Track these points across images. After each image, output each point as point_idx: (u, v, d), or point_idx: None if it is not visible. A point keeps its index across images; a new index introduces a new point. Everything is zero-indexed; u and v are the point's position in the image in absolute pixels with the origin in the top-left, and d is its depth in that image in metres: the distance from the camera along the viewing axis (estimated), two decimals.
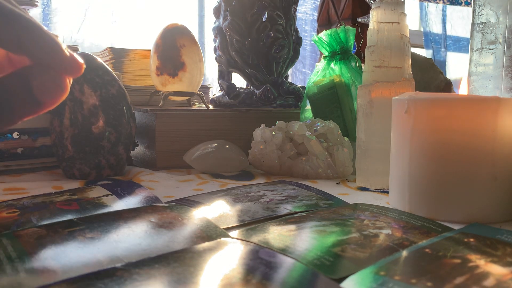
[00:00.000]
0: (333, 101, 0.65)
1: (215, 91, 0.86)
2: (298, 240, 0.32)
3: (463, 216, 0.39)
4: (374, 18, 0.52)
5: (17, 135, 0.59)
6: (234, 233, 0.33)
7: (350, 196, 0.49)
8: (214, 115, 0.68)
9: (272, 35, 0.73)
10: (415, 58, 0.69)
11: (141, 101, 0.76)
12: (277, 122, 0.62)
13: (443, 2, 1.97)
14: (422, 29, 2.05)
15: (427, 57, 0.75)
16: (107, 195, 0.44)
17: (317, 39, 0.67)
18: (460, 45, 2.11)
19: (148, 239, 0.31)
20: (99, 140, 0.55)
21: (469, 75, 0.59)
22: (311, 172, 0.58)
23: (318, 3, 1.09)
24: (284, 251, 0.30)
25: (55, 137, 0.55)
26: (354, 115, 0.65)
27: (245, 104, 0.73)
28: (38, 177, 0.57)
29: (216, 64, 0.78)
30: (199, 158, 0.60)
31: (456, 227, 0.36)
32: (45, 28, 0.26)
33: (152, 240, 0.31)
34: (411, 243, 0.32)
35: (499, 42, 0.55)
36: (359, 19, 0.95)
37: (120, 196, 0.44)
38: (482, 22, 0.57)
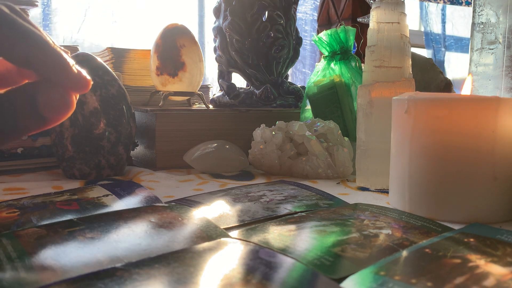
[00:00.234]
0: (333, 101, 0.65)
1: (215, 91, 0.86)
2: (298, 240, 0.32)
3: (463, 216, 0.39)
4: (374, 18, 0.52)
5: None
6: (234, 233, 0.33)
7: (350, 196, 0.49)
8: (214, 115, 0.68)
9: (272, 35, 0.73)
10: (415, 58, 0.69)
11: (141, 101, 0.76)
12: (277, 122, 0.62)
13: (444, 2, 1.97)
14: (422, 29, 2.05)
15: (428, 57, 0.75)
16: (107, 195, 0.44)
17: (317, 39, 0.67)
18: (462, 44, 2.10)
19: (148, 239, 0.31)
20: (99, 140, 0.55)
21: (471, 75, 0.59)
22: (311, 172, 0.58)
23: (318, 3, 1.09)
24: (284, 251, 0.30)
25: (55, 137, 0.55)
26: (354, 115, 0.65)
27: (245, 104, 0.73)
28: (38, 177, 0.57)
29: (216, 64, 0.78)
30: (199, 158, 0.60)
31: (456, 227, 0.36)
32: (54, 44, 0.26)
33: (152, 240, 0.31)
34: (411, 243, 0.32)
35: (499, 42, 0.55)
36: (359, 19, 0.95)
37: (120, 196, 0.44)
38: (482, 22, 0.57)
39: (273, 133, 0.60)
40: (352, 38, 0.66)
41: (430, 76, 0.71)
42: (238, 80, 0.96)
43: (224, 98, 0.75)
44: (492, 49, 0.56)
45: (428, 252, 0.30)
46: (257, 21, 0.72)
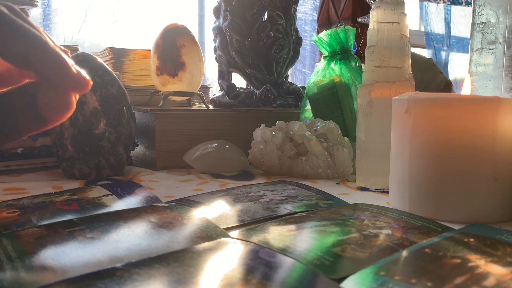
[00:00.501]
0: (333, 101, 0.65)
1: (215, 91, 0.86)
2: (298, 240, 0.32)
3: (463, 216, 0.39)
4: (374, 18, 0.52)
5: None
6: (234, 233, 0.33)
7: (350, 196, 0.49)
8: (214, 115, 0.68)
9: (272, 35, 0.73)
10: (415, 58, 0.69)
11: (141, 101, 0.76)
12: (277, 122, 0.62)
13: (444, 2, 1.97)
14: (422, 29, 2.05)
15: (428, 57, 0.75)
16: (107, 195, 0.44)
17: (317, 39, 0.67)
18: (463, 44, 2.10)
19: (148, 239, 0.31)
20: (99, 140, 0.55)
21: (470, 74, 0.59)
22: (311, 172, 0.58)
23: (318, 3, 1.09)
24: (284, 251, 0.30)
25: (55, 137, 0.55)
26: (354, 115, 0.65)
27: (245, 104, 0.73)
28: (38, 177, 0.57)
29: (216, 64, 0.78)
30: (199, 158, 0.60)
31: (456, 227, 0.36)
32: (54, 44, 0.26)
33: (152, 240, 0.31)
34: (411, 243, 0.32)
35: (499, 42, 0.55)
36: (359, 19, 0.95)
37: (120, 196, 0.44)
38: (482, 22, 0.57)
39: (273, 133, 0.60)
40: (352, 38, 0.66)
41: (430, 76, 0.71)
42: (238, 80, 0.96)
43: (224, 98, 0.75)
44: (492, 49, 0.56)
45: (428, 252, 0.30)
46: (257, 21, 0.72)
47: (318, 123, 0.60)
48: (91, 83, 0.27)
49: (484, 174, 0.39)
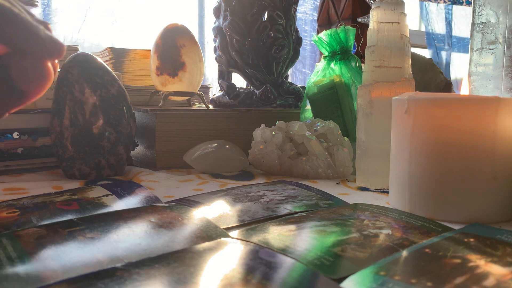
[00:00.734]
0: (333, 101, 0.65)
1: (215, 91, 0.86)
2: (298, 240, 0.32)
3: (463, 216, 0.39)
4: (374, 18, 0.52)
5: (17, 135, 0.59)
6: (234, 233, 0.33)
7: (350, 196, 0.49)
8: (214, 115, 0.68)
9: (272, 35, 0.73)
10: (415, 58, 0.69)
11: (141, 101, 0.76)
12: (277, 122, 0.62)
13: (444, 2, 1.97)
14: (423, 29, 2.05)
15: (429, 57, 0.75)
16: (107, 195, 0.44)
17: (317, 39, 0.67)
18: (464, 44, 2.10)
19: (148, 239, 0.31)
20: (99, 140, 0.55)
21: (469, 75, 0.59)
22: (311, 172, 0.58)
23: (318, 3, 1.09)
24: (284, 251, 0.30)
25: (55, 137, 0.55)
26: (354, 115, 0.65)
27: (245, 104, 0.73)
28: (38, 177, 0.57)
29: (216, 64, 0.78)
30: (199, 158, 0.60)
31: (456, 227, 0.36)
32: (23, 13, 0.24)
33: (152, 240, 0.31)
34: (411, 243, 0.32)
35: (499, 42, 0.55)
36: (359, 19, 0.95)
37: (120, 196, 0.44)
38: (482, 22, 0.57)
39: (273, 133, 0.60)
40: (352, 38, 0.66)
41: (430, 76, 0.71)
42: (238, 80, 0.96)
43: (224, 98, 0.75)
44: (492, 49, 0.56)
45: (428, 252, 0.30)
46: (257, 21, 0.72)
47: (318, 123, 0.60)
48: (65, 47, 0.25)
49: (484, 174, 0.39)
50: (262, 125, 0.62)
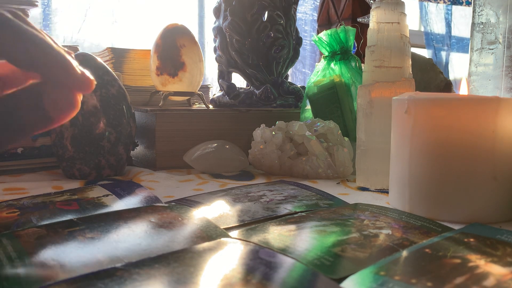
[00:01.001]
0: (333, 101, 0.65)
1: (215, 91, 0.86)
2: (298, 240, 0.32)
3: (463, 216, 0.39)
4: (374, 18, 0.52)
5: None
6: (234, 233, 0.33)
7: (350, 196, 0.49)
8: (214, 115, 0.68)
9: (272, 35, 0.73)
10: (415, 58, 0.69)
11: (141, 101, 0.76)
12: (277, 122, 0.62)
13: (444, 2, 1.97)
14: (422, 29, 2.05)
15: (428, 57, 0.75)
16: (107, 195, 0.44)
17: (317, 39, 0.67)
18: (463, 44, 2.10)
19: (148, 239, 0.31)
20: (99, 140, 0.55)
21: (469, 75, 0.59)
22: (311, 172, 0.58)
23: (318, 3, 1.09)
24: (284, 251, 0.30)
25: (55, 137, 0.55)
26: (354, 115, 0.65)
27: (245, 104, 0.73)
28: (38, 177, 0.57)
29: (216, 64, 0.78)
30: (199, 158, 0.60)
31: (456, 227, 0.36)
32: (57, 46, 0.27)
33: (152, 240, 0.31)
34: (411, 243, 0.32)
35: (499, 42, 0.55)
36: (359, 19, 0.95)
37: (120, 196, 0.44)
38: (482, 22, 0.57)
39: (273, 133, 0.60)
40: (352, 38, 0.66)
41: (430, 76, 0.71)
42: (238, 80, 0.96)
43: (224, 98, 0.75)
44: (492, 49, 0.56)
45: (428, 252, 0.30)
46: (257, 21, 0.72)
47: (318, 123, 0.60)
48: (95, 83, 0.28)
49: (484, 174, 0.39)
50: (262, 125, 0.62)
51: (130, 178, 0.57)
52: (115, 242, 0.30)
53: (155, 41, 0.69)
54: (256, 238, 0.32)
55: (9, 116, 0.27)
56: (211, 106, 0.76)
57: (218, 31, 0.75)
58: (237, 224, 0.37)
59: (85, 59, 0.56)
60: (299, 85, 0.78)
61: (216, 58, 0.78)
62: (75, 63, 0.27)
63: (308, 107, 0.69)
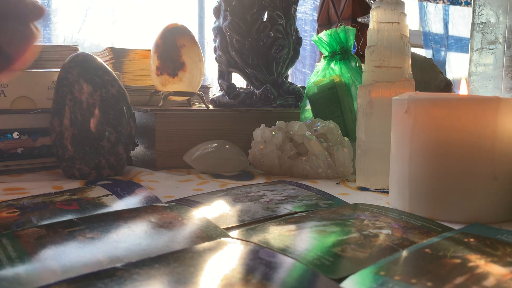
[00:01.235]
0: (333, 101, 0.65)
1: (215, 91, 0.86)
2: (298, 240, 0.32)
3: (463, 216, 0.39)
4: (374, 18, 0.52)
5: (17, 135, 0.59)
6: (234, 233, 0.33)
7: (350, 196, 0.49)
8: (214, 115, 0.68)
9: (272, 35, 0.73)
10: (415, 58, 0.69)
11: (141, 101, 0.76)
12: (277, 122, 0.62)
13: (443, 2, 1.97)
14: (421, 29, 2.05)
15: (427, 57, 0.75)
16: (107, 195, 0.44)
17: (317, 39, 0.67)
18: (462, 44, 2.10)
19: (148, 239, 0.31)
20: (99, 140, 0.55)
21: (469, 75, 0.59)
22: (311, 172, 0.58)
23: (318, 3, 1.09)
24: (284, 251, 0.30)
25: (55, 137, 0.55)
26: (354, 115, 0.65)
27: (245, 104, 0.73)
28: (38, 177, 0.57)
29: (216, 64, 0.78)
30: (199, 158, 0.60)
31: (456, 227, 0.36)
32: None
33: (152, 240, 0.31)
34: (411, 243, 0.32)
35: (499, 42, 0.55)
36: (359, 19, 0.95)
37: (120, 196, 0.44)
38: (482, 22, 0.57)
39: (273, 133, 0.60)
40: (352, 38, 0.66)
41: (430, 76, 0.71)
42: (238, 80, 0.96)
43: (224, 98, 0.75)
44: (492, 49, 0.56)
45: (428, 252, 0.30)
46: (257, 21, 0.72)
47: (318, 123, 0.60)
48: (46, 8, 0.26)
49: (484, 174, 0.39)
50: (262, 125, 0.62)
51: (130, 178, 0.57)
52: (115, 242, 0.30)
53: (155, 41, 0.69)
54: (256, 238, 0.32)
55: None
56: (211, 106, 0.76)
57: (218, 31, 0.75)
58: (237, 224, 0.37)
59: (85, 59, 0.56)
60: (299, 85, 0.78)
61: (216, 58, 0.78)
62: None
63: (308, 107, 0.69)
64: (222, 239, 0.31)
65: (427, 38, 2.03)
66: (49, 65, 0.68)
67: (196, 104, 0.82)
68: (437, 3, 1.97)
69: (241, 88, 0.76)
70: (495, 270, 0.27)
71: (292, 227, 0.35)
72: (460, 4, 1.98)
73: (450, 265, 0.27)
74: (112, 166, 0.57)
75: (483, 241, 0.32)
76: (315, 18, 1.40)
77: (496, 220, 0.39)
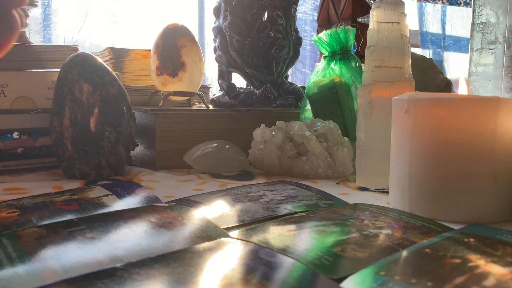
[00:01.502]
0: (333, 101, 0.65)
1: (215, 91, 0.86)
2: (298, 240, 0.32)
3: (463, 216, 0.39)
4: (374, 18, 0.52)
5: (17, 135, 0.59)
6: (234, 233, 0.33)
7: (350, 196, 0.49)
8: (214, 115, 0.68)
9: (272, 35, 0.73)
10: (415, 58, 0.69)
11: (141, 101, 0.76)
12: (277, 122, 0.62)
13: (442, 2, 1.97)
14: (419, 29, 2.05)
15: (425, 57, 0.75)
16: (107, 195, 0.44)
17: (317, 39, 0.67)
18: (460, 44, 2.10)
19: (148, 239, 0.31)
20: (99, 140, 0.55)
21: (469, 75, 0.59)
22: (311, 172, 0.58)
23: (318, 3, 1.09)
24: (284, 251, 0.30)
25: (55, 137, 0.55)
26: (354, 115, 0.65)
27: (245, 104, 0.73)
28: (38, 177, 0.57)
29: (216, 64, 0.78)
30: (199, 158, 0.60)
31: (456, 227, 0.36)
32: None
33: (152, 240, 0.31)
34: (411, 243, 0.32)
35: (499, 42, 0.55)
36: (359, 19, 0.95)
37: (120, 196, 0.44)
38: (482, 22, 0.57)
39: (273, 133, 0.60)
40: (352, 38, 0.66)
41: (430, 76, 0.71)
42: (238, 80, 0.96)
43: (224, 98, 0.75)
44: (492, 49, 0.56)
45: (428, 252, 0.30)
46: (257, 21, 0.72)
47: (318, 123, 0.60)
48: None
49: (484, 174, 0.39)
50: (262, 125, 0.62)
51: (130, 178, 0.57)
52: (115, 242, 0.30)
53: (155, 41, 0.69)
54: (256, 238, 0.32)
55: None
56: (211, 106, 0.76)
57: (218, 31, 0.75)
58: (237, 224, 0.37)
59: (85, 59, 0.56)
60: (299, 85, 0.78)
61: (216, 58, 0.78)
62: None
63: (308, 107, 0.69)
64: (222, 239, 0.31)
65: (424, 39, 2.03)
66: (49, 65, 0.68)
67: (196, 104, 0.82)
68: (436, 3, 1.98)
69: (241, 88, 0.76)
70: (495, 270, 0.27)
71: (292, 227, 0.35)
72: (459, 4, 1.98)
73: (450, 265, 0.27)
74: (112, 166, 0.57)
75: (483, 241, 0.32)
76: (315, 18, 1.40)
77: (496, 220, 0.39)
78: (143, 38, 1.26)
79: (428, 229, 0.35)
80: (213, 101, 0.77)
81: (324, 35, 0.66)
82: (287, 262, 0.27)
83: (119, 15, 1.30)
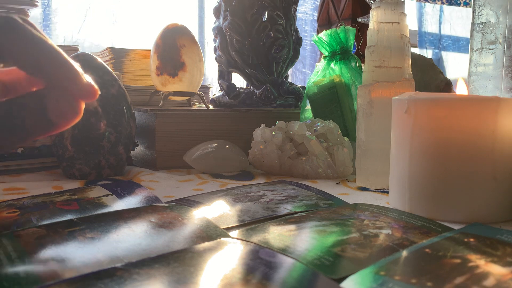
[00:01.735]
0: (333, 101, 0.65)
1: (215, 91, 0.86)
2: (298, 240, 0.32)
3: (463, 216, 0.39)
4: (374, 18, 0.52)
5: None
6: (234, 233, 0.33)
7: (350, 196, 0.49)
8: (214, 115, 0.68)
9: (272, 35, 0.73)
10: (415, 58, 0.69)
11: (141, 101, 0.76)
12: (277, 122, 0.62)
13: (442, 3, 1.97)
14: (417, 29, 2.05)
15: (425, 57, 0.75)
16: (107, 195, 0.44)
17: (317, 39, 0.67)
18: (459, 45, 2.11)
19: (148, 239, 0.31)
20: (99, 140, 0.55)
21: (469, 75, 0.59)
22: (311, 172, 0.58)
23: (318, 3, 1.09)
24: (284, 251, 0.30)
25: (55, 137, 0.55)
26: (354, 115, 0.65)
27: (245, 104, 0.73)
28: (38, 177, 0.57)
29: (216, 64, 0.78)
30: (199, 158, 0.60)
31: (456, 227, 0.36)
32: (65, 55, 0.28)
33: (152, 240, 0.31)
34: (411, 243, 0.32)
35: (499, 42, 0.55)
36: (359, 19, 0.95)
37: (120, 196, 0.44)
38: (482, 22, 0.57)
39: (273, 133, 0.60)
40: (352, 38, 0.66)
41: (430, 76, 0.71)
42: (238, 80, 0.96)
43: (224, 98, 0.75)
44: (492, 49, 0.56)
45: (428, 252, 0.30)
46: (257, 21, 0.72)
47: (318, 123, 0.60)
48: (99, 92, 0.29)
49: (484, 174, 0.39)
50: (262, 125, 0.62)
51: (130, 178, 0.57)
52: (115, 242, 0.30)
53: (155, 41, 0.69)
54: (256, 238, 0.32)
55: (12, 120, 0.27)
56: (211, 106, 0.76)
57: (218, 31, 0.75)
58: (237, 224, 0.37)
59: (85, 59, 0.56)
60: (299, 85, 0.78)
61: (216, 58, 0.78)
62: (81, 71, 0.28)
63: (308, 107, 0.69)
64: (222, 239, 0.31)
65: (422, 40, 2.03)
66: None
67: (196, 104, 0.82)
68: (436, 3, 1.98)
69: (241, 88, 0.76)
70: (495, 270, 0.27)
71: (292, 227, 0.35)
72: (458, 4, 1.99)
73: (450, 265, 0.27)
74: (112, 166, 0.57)
75: (483, 241, 0.32)
76: (315, 18, 1.40)
77: (496, 220, 0.39)
78: (143, 38, 1.26)
79: (428, 229, 0.35)
80: (213, 101, 0.77)
81: (324, 35, 0.66)
82: (287, 262, 0.27)
83: (119, 15, 1.30)
